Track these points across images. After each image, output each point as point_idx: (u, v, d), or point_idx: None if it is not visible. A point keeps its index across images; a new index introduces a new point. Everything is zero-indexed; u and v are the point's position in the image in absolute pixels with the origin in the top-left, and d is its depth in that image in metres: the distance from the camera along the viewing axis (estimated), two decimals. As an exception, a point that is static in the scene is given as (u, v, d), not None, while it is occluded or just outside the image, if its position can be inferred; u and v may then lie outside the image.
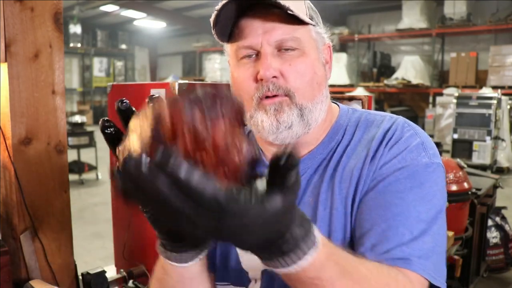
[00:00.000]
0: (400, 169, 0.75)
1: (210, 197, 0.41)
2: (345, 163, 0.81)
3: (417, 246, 0.69)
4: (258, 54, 0.79)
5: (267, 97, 0.79)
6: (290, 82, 0.78)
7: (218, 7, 0.76)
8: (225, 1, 0.75)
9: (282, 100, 0.79)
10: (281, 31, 0.77)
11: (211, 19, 0.78)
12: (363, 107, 1.46)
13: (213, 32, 0.81)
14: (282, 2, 0.73)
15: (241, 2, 0.75)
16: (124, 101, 0.61)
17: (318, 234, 0.53)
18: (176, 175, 0.41)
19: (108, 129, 0.62)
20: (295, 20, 0.77)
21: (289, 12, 0.74)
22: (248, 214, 0.43)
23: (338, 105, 0.93)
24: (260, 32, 0.78)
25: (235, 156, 0.47)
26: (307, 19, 0.78)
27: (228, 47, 0.84)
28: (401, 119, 0.85)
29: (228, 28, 0.81)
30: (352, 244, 0.77)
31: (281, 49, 0.78)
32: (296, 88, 0.79)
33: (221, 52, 14.16)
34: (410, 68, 10.27)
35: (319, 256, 0.53)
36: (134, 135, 0.50)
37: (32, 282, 1.49)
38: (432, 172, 0.76)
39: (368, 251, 0.70)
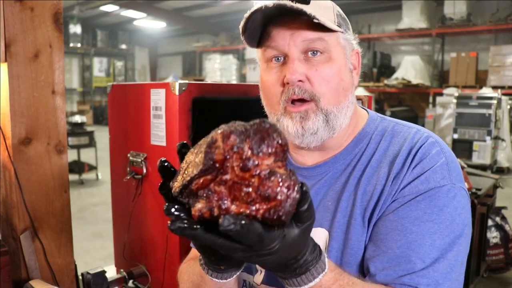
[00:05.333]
0: (422, 193, 0.75)
1: (254, 240, 0.49)
2: (370, 175, 0.81)
3: (427, 275, 0.71)
4: (285, 58, 0.81)
5: (293, 101, 0.81)
6: (316, 87, 0.80)
7: (247, 14, 0.79)
8: (253, 9, 0.78)
9: (308, 108, 0.80)
10: (308, 33, 0.79)
11: (240, 26, 0.81)
12: (363, 107, 1.46)
13: (242, 38, 0.83)
14: (309, 11, 0.75)
15: (269, 10, 0.77)
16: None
17: (327, 260, 0.62)
18: (228, 232, 0.47)
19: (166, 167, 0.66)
20: (323, 28, 0.78)
21: (315, 20, 0.75)
22: (272, 246, 0.52)
23: (367, 112, 0.93)
24: (288, 34, 0.80)
25: (277, 194, 0.50)
26: (333, 26, 0.79)
27: (258, 52, 0.87)
28: (428, 133, 0.85)
29: (258, 34, 0.83)
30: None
31: (307, 52, 0.80)
32: (322, 93, 0.80)
33: (221, 52, 14.17)
34: (410, 68, 10.27)
35: (326, 279, 0.62)
36: (188, 165, 0.55)
37: (32, 282, 1.49)
38: (453, 198, 0.76)
39: (378, 272, 0.73)
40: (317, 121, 0.80)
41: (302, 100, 0.80)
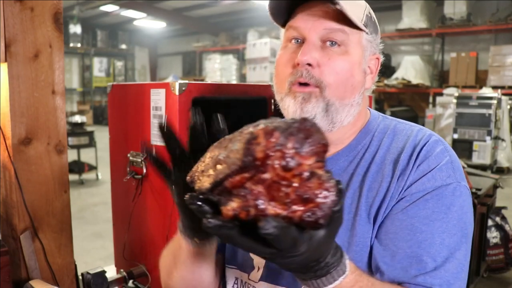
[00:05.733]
0: (429, 192, 0.76)
1: (288, 244, 0.49)
2: (374, 172, 0.81)
3: (439, 275, 0.71)
4: (304, 41, 0.81)
5: (299, 84, 0.81)
6: (324, 76, 0.79)
7: None
8: None
9: (312, 91, 0.80)
10: (332, 23, 0.79)
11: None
12: (363, 107, 1.46)
13: (268, 10, 0.84)
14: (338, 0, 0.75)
15: None
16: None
17: (348, 262, 0.61)
18: (267, 236, 0.47)
19: (176, 150, 0.66)
20: (348, 23, 0.78)
21: (338, 7, 0.76)
22: (300, 249, 0.51)
23: (369, 110, 0.93)
24: (312, 19, 0.80)
25: (316, 196, 0.49)
26: (358, 23, 0.79)
27: (282, 32, 0.87)
28: (430, 132, 0.85)
29: (285, 13, 0.84)
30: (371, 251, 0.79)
31: (326, 41, 0.80)
32: (328, 83, 0.79)
33: (221, 52, 14.17)
34: (410, 68, 10.27)
35: (347, 281, 0.61)
36: (217, 161, 0.52)
37: (32, 282, 1.49)
38: (459, 196, 0.77)
39: (390, 271, 0.73)
40: (317, 107, 0.80)
41: (307, 85, 0.80)
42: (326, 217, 0.49)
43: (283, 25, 0.86)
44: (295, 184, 0.48)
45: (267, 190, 0.49)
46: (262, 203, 0.49)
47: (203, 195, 0.51)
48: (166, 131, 0.66)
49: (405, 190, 0.77)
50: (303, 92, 0.80)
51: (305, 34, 0.80)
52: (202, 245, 0.75)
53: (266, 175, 0.48)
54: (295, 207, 0.48)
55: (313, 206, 0.48)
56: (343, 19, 0.78)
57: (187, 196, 0.52)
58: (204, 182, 0.52)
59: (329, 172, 0.50)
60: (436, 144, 0.81)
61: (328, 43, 0.80)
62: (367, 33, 0.83)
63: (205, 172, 0.53)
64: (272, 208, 0.48)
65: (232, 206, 0.49)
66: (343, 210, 0.53)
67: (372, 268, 0.77)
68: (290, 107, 0.81)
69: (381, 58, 0.89)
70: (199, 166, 0.56)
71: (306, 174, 0.48)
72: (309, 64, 0.78)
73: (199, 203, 0.51)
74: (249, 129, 0.52)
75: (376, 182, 0.80)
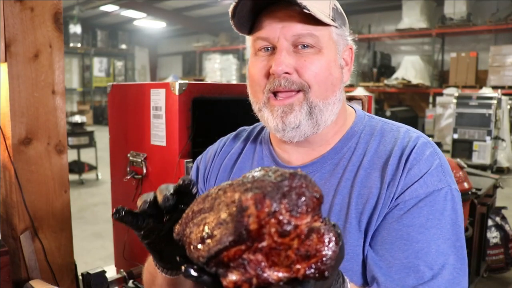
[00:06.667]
0: (422, 198, 0.75)
1: None
2: (363, 177, 0.80)
3: (436, 284, 0.72)
4: (274, 49, 0.79)
5: (276, 93, 0.79)
6: (305, 78, 0.78)
7: (235, 1, 0.77)
8: None
9: (293, 101, 0.78)
10: (299, 27, 0.77)
11: (230, 10, 0.79)
12: (363, 107, 1.46)
13: (231, 23, 0.81)
14: (300, 1, 0.73)
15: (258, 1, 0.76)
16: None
17: (349, 286, 0.60)
18: None
19: (167, 202, 0.61)
20: (316, 20, 0.77)
21: (305, 11, 0.74)
22: None
23: (355, 110, 0.92)
24: (279, 27, 0.78)
25: (317, 251, 0.46)
26: (326, 20, 0.77)
27: (249, 40, 0.85)
28: (418, 133, 0.84)
29: (248, 22, 0.82)
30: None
31: (297, 45, 0.78)
32: (311, 83, 0.78)
33: (221, 52, 14.17)
34: (410, 68, 10.27)
35: None
36: (212, 225, 0.49)
37: (32, 282, 1.48)
38: (450, 200, 0.76)
39: (388, 283, 0.73)
40: (300, 114, 0.78)
41: (289, 92, 0.79)
42: (331, 269, 0.47)
43: (249, 33, 0.84)
44: (295, 246, 0.46)
45: (267, 257, 0.47)
46: (263, 271, 0.46)
47: (198, 266, 0.50)
48: (123, 217, 0.62)
49: (397, 198, 0.76)
50: (283, 105, 0.79)
51: (274, 42, 0.79)
52: (176, 276, 0.74)
53: (263, 244, 0.46)
54: (297, 266, 0.46)
55: (315, 261, 0.46)
56: (310, 18, 0.76)
57: (183, 266, 0.50)
58: (197, 253, 0.49)
59: (327, 221, 0.48)
60: (425, 147, 0.79)
61: (300, 46, 0.78)
62: (336, 27, 0.81)
63: (194, 238, 0.50)
64: (275, 274, 0.47)
65: (232, 279, 0.47)
66: (344, 248, 0.51)
67: (366, 278, 0.76)
68: (270, 121, 0.80)
69: (354, 47, 0.87)
70: (186, 227, 0.53)
71: (304, 233, 0.46)
72: (287, 73, 0.77)
73: (196, 274, 0.49)
74: (234, 192, 0.48)
75: (365, 188, 0.79)
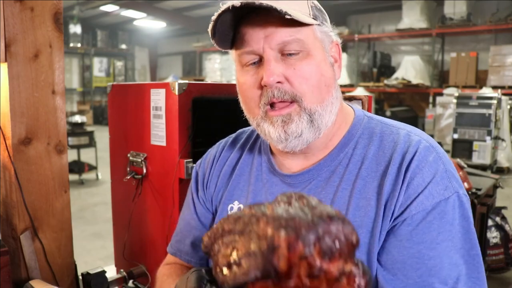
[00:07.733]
0: (430, 211, 0.72)
1: None
2: (361, 187, 0.77)
3: None
4: (261, 59, 0.77)
5: (273, 104, 0.77)
6: (296, 87, 0.76)
7: (214, 17, 0.75)
8: (220, 11, 0.73)
9: (290, 110, 0.77)
10: (282, 33, 0.75)
11: (209, 29, 0.77)
12: (363, 107, 1.45)
13: (212, 41, 0.79)
14: (279, 6, 0.71)
15: (238, 9, 0.73)
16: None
17: None
18: None
19: None
20: (297, 22, 0.74)
21: (287, 16, 0.72)
22: None
23: (354, 110, 0.89)
24: (262, 37, 0.76)
25: None
26: (308, 20, 0.76)
27: (233, 53, 0.83)
28: (419, 135, 0.80)
29: (229, 36, 0.79)
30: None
31: (284, 53, 0.76)
32: (303, 92, 0.76)
33: (221, 52, 14.16)
34: (410, 68, 10.27)
35: None
36: (241, 253, 0.47)
37: (32, 282, 1.48)
38: (459, 207, 0.74)
39: None
40: (301, 123, 0.77)
41: (284, 102, 0.77)
42: None
43: (231, 47, 0.82)
44: (323, 285, 0.45)
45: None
46: None
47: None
48: None
49: (403, 211, 0.73)
50: (281, 115, 0.77)
51: (260, 53, 0.76)
52: None
53: (291, 283, 0.45)
54: None
55: None
56: (292, 21, 0.74)
57: None
58: (222, 277, 0.48)
59: (358, 264, 0.46)
60: (427, 152, 0.76)
61: (287, 54, 0.76)
62: (319, 24, 0.79)
63: (221, 259, 0.49)
64: None
65: None
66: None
67: None
68: (271, 133, 0.78)
69: (339, 42, 0.85)
70: (215, 242, 0.52)
71: (335, 276, 0.45)
72: (278, 82, 0.75)
73: None
74: (267, 226, 0.46)
75: (363, 199, 0.76)
